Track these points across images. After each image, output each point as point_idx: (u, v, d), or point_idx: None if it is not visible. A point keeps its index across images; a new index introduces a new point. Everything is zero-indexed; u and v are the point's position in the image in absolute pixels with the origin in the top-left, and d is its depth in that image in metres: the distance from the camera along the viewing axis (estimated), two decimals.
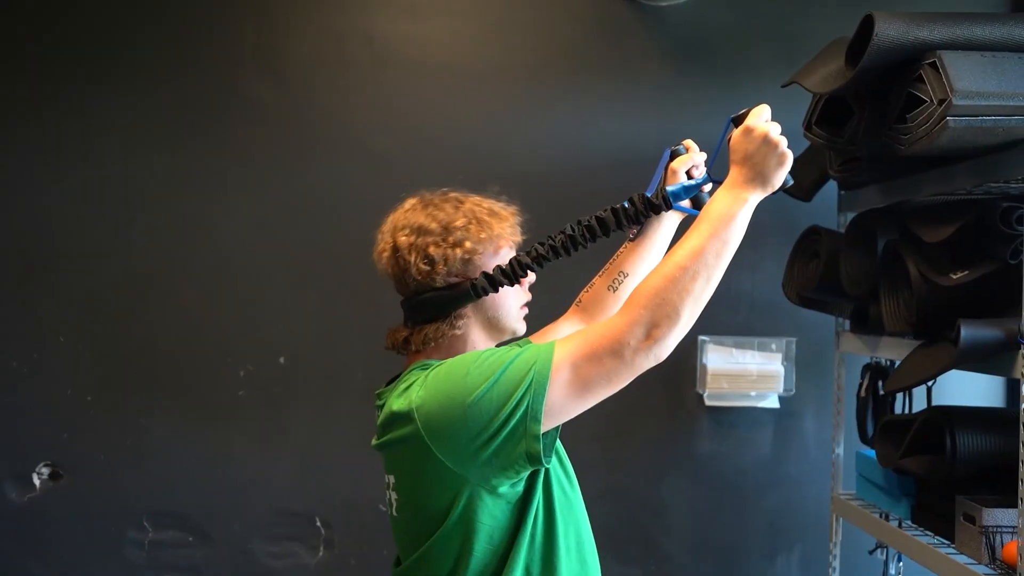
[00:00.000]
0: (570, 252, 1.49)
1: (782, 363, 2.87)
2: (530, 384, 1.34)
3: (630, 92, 2.93)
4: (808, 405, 2.95)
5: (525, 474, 1.40)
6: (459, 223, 1.50)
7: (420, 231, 1.50)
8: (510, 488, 1.41)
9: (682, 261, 1.33)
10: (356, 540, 2.91)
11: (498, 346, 1.53)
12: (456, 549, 1.41)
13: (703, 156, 1.64)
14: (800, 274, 2.54)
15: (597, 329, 1.37)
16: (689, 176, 1.62)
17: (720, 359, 2.87)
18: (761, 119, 1.39)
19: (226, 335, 2.92)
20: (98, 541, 2.90)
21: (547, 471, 1.45)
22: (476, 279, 1.48)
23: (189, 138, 2.91)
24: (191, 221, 2.92)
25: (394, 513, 1.50)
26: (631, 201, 1.48)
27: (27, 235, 2.89)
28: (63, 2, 2.90)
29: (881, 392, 2.52)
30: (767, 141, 1.37)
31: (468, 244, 1.48)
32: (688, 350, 2.90)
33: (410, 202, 1.55)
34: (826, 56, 2.02)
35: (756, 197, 1.38)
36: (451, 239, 1.48)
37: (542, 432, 1.35)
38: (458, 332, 1.49)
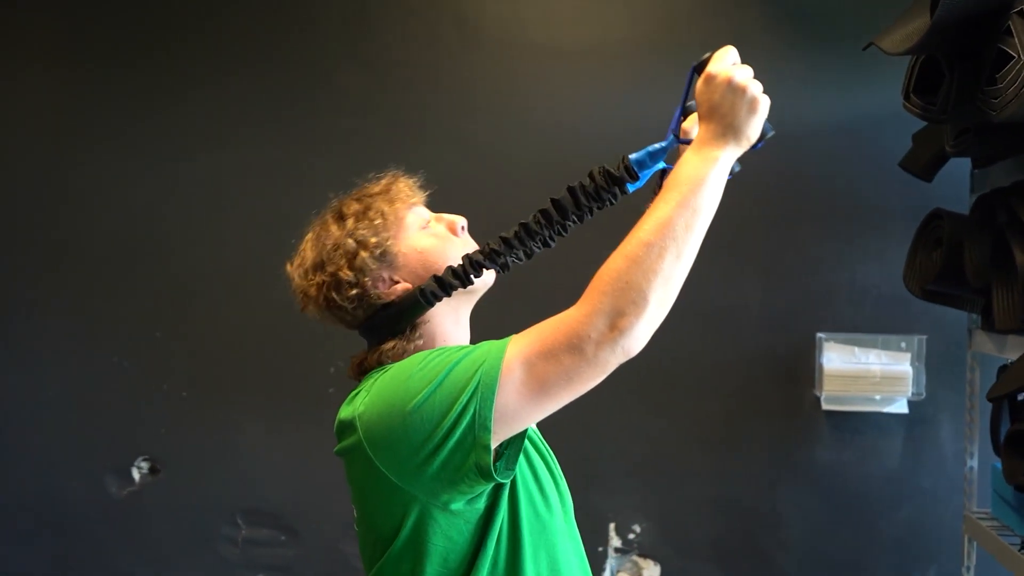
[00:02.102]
0: (527, 244, 1.32)
1: (911, 364, 2.67)
2: (476, 387, 1.20)
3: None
4: (943, 411, 2.73)
5: (482, 490, 1.27)
6: (349, 227, 1.38)
7: (319, 266, 1.38)
8: (467, 505, 1.27)
9: (646, 237, 1.18)
10: None
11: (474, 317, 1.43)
12: (407, 573, 1.30)
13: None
14: (923, 264, 2.34)
15: (553, 321, 1.21)
16: None
17: (840, 358, 2.68)
18: (724, 63, 1.23)
19: (316, 331, 2.91)
20: (194, 536, 2.97)
21: (514, 487, 1.32)
22: (425, 285, 1.35)
23: (277, 130, 2.94)
24: (281, 215, 2.94)
25: (355, 527, 1.40)
26: (591, 175, 1.30)
27: (124, 232, 2.99)
28: (149, 0, 2.99)
29: (1020, 398, 2.30)
30: (732, 87, 1.20)
31: (372, 239, 1.36)
32: (804, 347, 2.73)
33: (305, 239, 1.43)
34: (909, 13, 1.84)
35: (729, 154, 1.22)
36: (350, 250, 1.36)
37: (501, 441, 1.22)
38: (419, 343, 1.37)
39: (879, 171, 2.69)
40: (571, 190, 1.30)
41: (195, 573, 2.96)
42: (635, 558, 2.83)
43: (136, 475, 3.00)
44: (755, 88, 1.21)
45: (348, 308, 1.37)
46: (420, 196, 1.48)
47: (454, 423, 1.20)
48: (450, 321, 1.42)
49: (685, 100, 1.30)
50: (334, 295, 1.37)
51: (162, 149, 2.98)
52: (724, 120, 1.22)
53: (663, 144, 1.31)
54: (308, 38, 2.94)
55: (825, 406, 2.71)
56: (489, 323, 1.49)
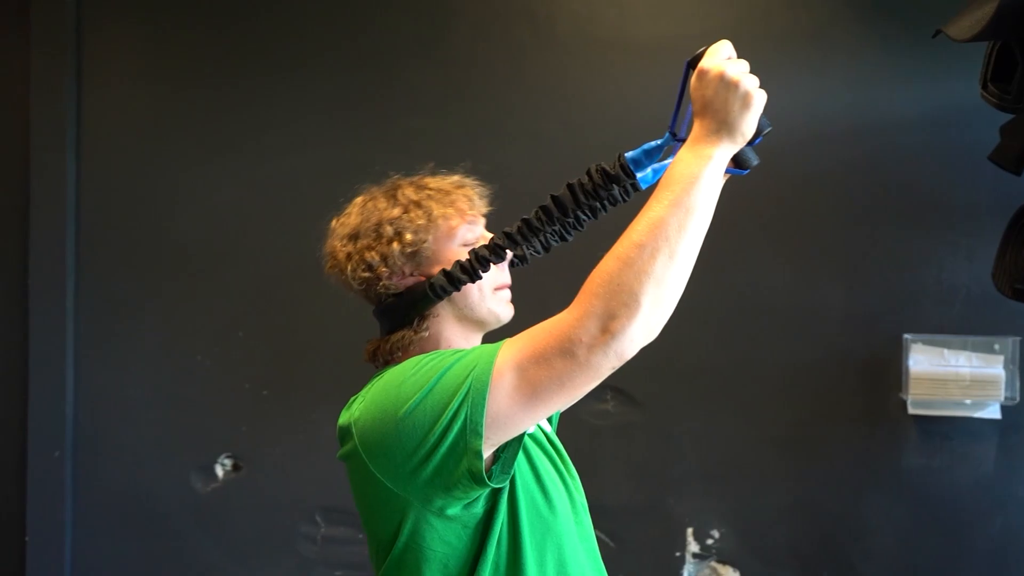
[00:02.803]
0: (528, 239, 1.34)
1: (1005, 367, 2.57)
2: (467, 392, 1.21)
3: (827, 57, 2.72)
4: None
5: (477, 495, 1.27)
6: (394, 214, 1.40)
7: (354, 236, 1.41)
8: (463, 510, 1.28)
9: (638, 237, 1.17)
10: None
11: (485, 339, 1.43)
12: None
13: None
14: (1013, 262, 2.25)
15: (546, 325, 1.22)
16: None
17: (928, 361, 2.60)
18: (718, 58, 1.21)
19: None
20: (274, 533, 3.05)
21: (514, 490, 1.31)
22: (434, 278, 1.37)
23: (354, 131, 2.99)
24: None
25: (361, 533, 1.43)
26: (588, 173, 1.30)
27: (206, 233, 3.08)
28: (228, 4, 3.06)
29: None
30: (724, 81, 1.18)
31: (408, 236, 1.38)
32: (890, 349, 2.66)
33: (355, 201, 1.46)
34: None
35: (723, 151, 1.20)
36: (386, 235, 1.38)
37: (496, 446, 1.22)
38: (425, 335, 1.39)
39: (967, 165, 2.60)
40: (570, 187, 1.32)
41: (275, 569, 3.03)
42: (713, 564, 2.79)
43: (220, 472, 3.08)
44: (749, 83, 1.19)
45: (357, 286, 1.41)
46: (480, 210, 1.49)
47: (445, 428, 1.21)
48: (459, 330, 1.43)
49: (681, 97, 1.28)
50: (350, 268, 1.41)
51: (244, 152, 3.06)
52: (717, 116, 1.20)
53: (658, 142, 1.31)
54: (383, 39, 2.98)
55: (912, 410, 2.63)
56: (511, 325, 1.48)
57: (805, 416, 2.74)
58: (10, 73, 3.16)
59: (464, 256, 1.40)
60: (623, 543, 2.82)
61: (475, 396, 1.20)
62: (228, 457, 3.08)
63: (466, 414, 1.21)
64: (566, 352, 1.17)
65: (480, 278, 1.38)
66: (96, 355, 3.15)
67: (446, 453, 1.22)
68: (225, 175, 3.08)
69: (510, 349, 1.22)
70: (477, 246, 1.39)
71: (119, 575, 3.15)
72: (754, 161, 1.29)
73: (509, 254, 1.39)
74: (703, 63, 1.21)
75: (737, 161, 1.30)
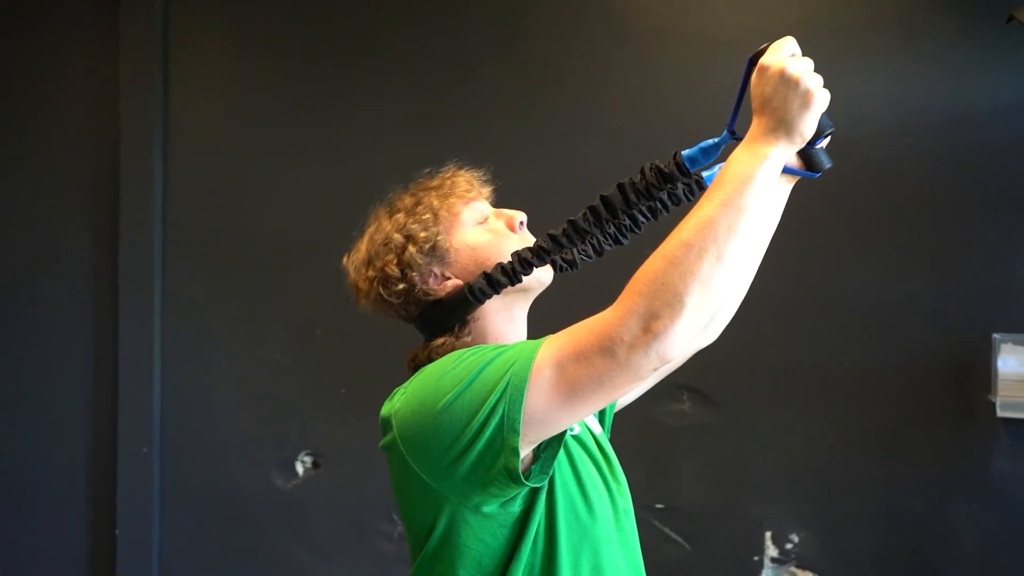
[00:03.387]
0: (575, 242, 1.31)
1: None
2: (506, 388, 1.18)
3: (915, 48, 2.66)
4: None
5: (515, 493, 1.25)
6: (399, 222, 1.40)
7: (369, 262, 1.42)
8: (500, 508, 1.27)
9: (686, 236, 1.13)
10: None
11: (531, 309, 1.43)
12: (441, 574, 1.30)
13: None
14: None
15: (588, 322, 1.19)
16: None
17: (1018, 361, 2.52)
18: (780, 54, 1.17)
19: None
20: (352, 530, 3.10)
21: (553, 490, 1.30)
22: (474, 282, 1.36)
23: (431, 131, 3.02)
24: None
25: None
26: (641, 171, 1.28)
27: (288, 232, 3.15)
28: (310, 6, 3.13)
29: None
30: (784, 79, 1.14)
31: (420, 234, 1.38)
32: (978, 349, 2.59)
33: (361, 238, 1.48)
34: None
35: (780, 151, 1.16)
36: (399, 244, 1.39)
37: (534, 444, 1.21)
38: (467, 339, 1.39)
39: None
40: (620, 187, 1.30)
41: (353, 565, 3.09)
42: (792, 569, 2.75)
43: (300, 469, 3.15)
44: (810, 81, 1.15)
45: (396, 303, 1.41)
46: (482, 191, 1.49)
47: (483, 424, 1.20)
48: (502, 319, 1.42)
49: (742, 94, 1.25)
50: (382, 290, 1.41)
51: (324, 151, 3.13)
52: (776, 114, 1.16)
53: (716, 140, 1.28)
54: (461, 37, 3.02)
55: (1001, 413, 2.55)
56: (550, 321, 1.48)
57: (889, 418, 2.68)
58: (101, 79, 3.28)
59: (481, 235, 1.42)
60: (699, 546, 2.80)
61: (513, 392, 1.19)
62: (308, 454, 3.15)
63: (504, 410, 1.19)
64: (606, 351, 1.15)
65: (521, 281, 1.36)
66: (182, 354, 3.26)
67: (483, 449, 1.21)
68: (306, 174, 3.15)
69: (551, 346, 1.21)
70: (519, 250, 1.37)
71: (203, 568, 3.25)
72: (826, 164, 1.25)
73: (552, 257, 1.37)
74: (764, 59, 1.19)
75: (809, 163, 1.28)
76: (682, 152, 1.28)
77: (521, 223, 1.47)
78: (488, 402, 1.20)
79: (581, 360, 1.17)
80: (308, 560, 3.14)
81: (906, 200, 2.68)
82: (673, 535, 2.81)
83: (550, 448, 1.26)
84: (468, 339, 1.40)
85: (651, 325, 1.12)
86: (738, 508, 2.78)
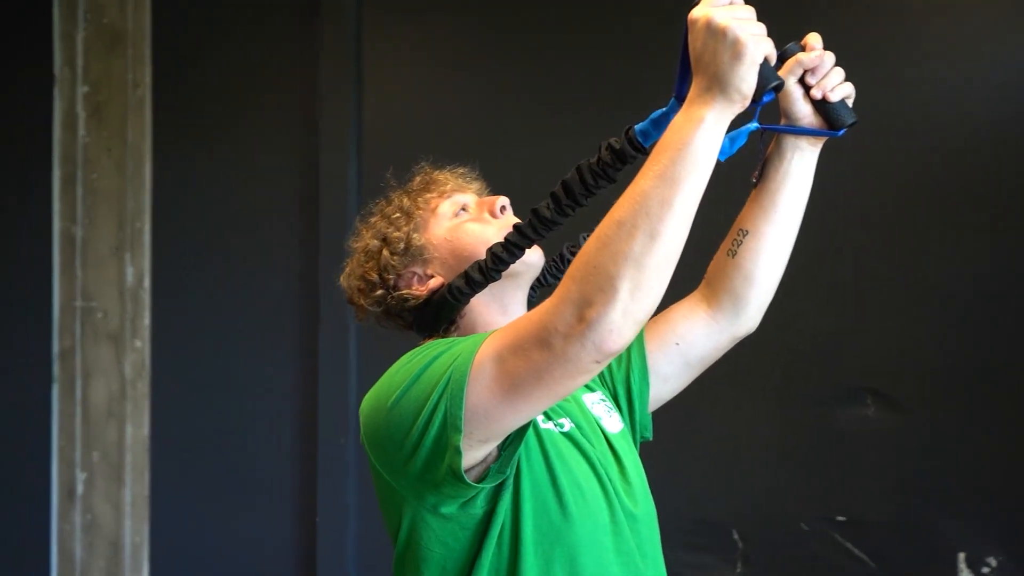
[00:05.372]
0: (540, 231, 1.26)
1: None
2: (447, 384, 1.16)
3: None
4: None
5: (472, 494, 1.20)
6: (374, 226, 1.39)
7: (353, 272, 1.42)
8: (459, 510, 1.22)
9: (618, 213, 1.07)
10: (776, 559, 2.80)
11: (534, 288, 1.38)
12: None
13: (825, 56, 1.25)
14: None
15: (530, 312, 1.14)
16: (806, 89, 1.26)
17: None
18: (711, 4, 1.07)
19: None
20: None
21: (519, 491, 1.24)
22: (453, 281, 1.33)
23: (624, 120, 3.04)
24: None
25: None
26: (599, 151, 1.21)
27: None
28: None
29: None
30: (711, 29, 1.06)
31: (393, 234, 1.36)
32: None
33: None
34: None
35: (716, 114, 1.07)
36: (374, 249, 1.38)
37: (486, 442, 1.17)
38: (453, 335, 1.36)
39: None
40: (578, 169, 1.25)
41: None
42: None
43: None
44: (741, 29, 1.06)
45: (377, 312, 1.40)
46: (462, 184, 1.47)
47: (427, 422, 1.18)
48: (495, 311, 1.40)
49: (683, 54, 1.15)
50: (363, 301, 1.41)
51: (515, 146, 3.20)
52: (708, 71, 1.08)
53: (664, 109, 1.20)
54: (649, 23, 3.02)
55: None
56: None
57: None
58: (300, 82, 3.52)
59: (458, 226, 1.40)
60: (884, 563, 2.66)
61: (454, 388, 1.16)
62: None
63: (445, 407, 1.16)
64: (543, 342, 1.10)
65: (497, 278, 1.33)
66: (376, 349, 3.43)
67: (431, 448, 1.18)
68: (497, 170, 3.24)
69: (493, 339, 1.18)
70: (493, 246, 1.34)
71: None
72: (848, 119, 1.18)
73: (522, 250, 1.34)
74: (693, 11, 1.11)
75: (829, 120, 1.21)
76: (635, 126, 1.22)
77: (503, 208, 1.43)
78: (431, 398, 1.18)
79: (519, 353, 1.13)
80: None
81: None
82: (855, 550, 2.68)
83: (511, 446, 1.21)
84: (456, 335, 1.38)
85: (585, 313, 1.07)
86: (928, 524, 2.62)
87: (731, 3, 1.11)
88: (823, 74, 1.27)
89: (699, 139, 1.07)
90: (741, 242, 1.43)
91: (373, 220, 1.45)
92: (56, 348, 3.92)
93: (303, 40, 3.50)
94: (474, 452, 1.19)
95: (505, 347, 1.14)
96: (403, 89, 3.39)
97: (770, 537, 2.81)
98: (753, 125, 1.27)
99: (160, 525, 3.76)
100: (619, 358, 1.55)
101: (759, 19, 1.11)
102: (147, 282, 3.77)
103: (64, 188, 3.90)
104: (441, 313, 1.38)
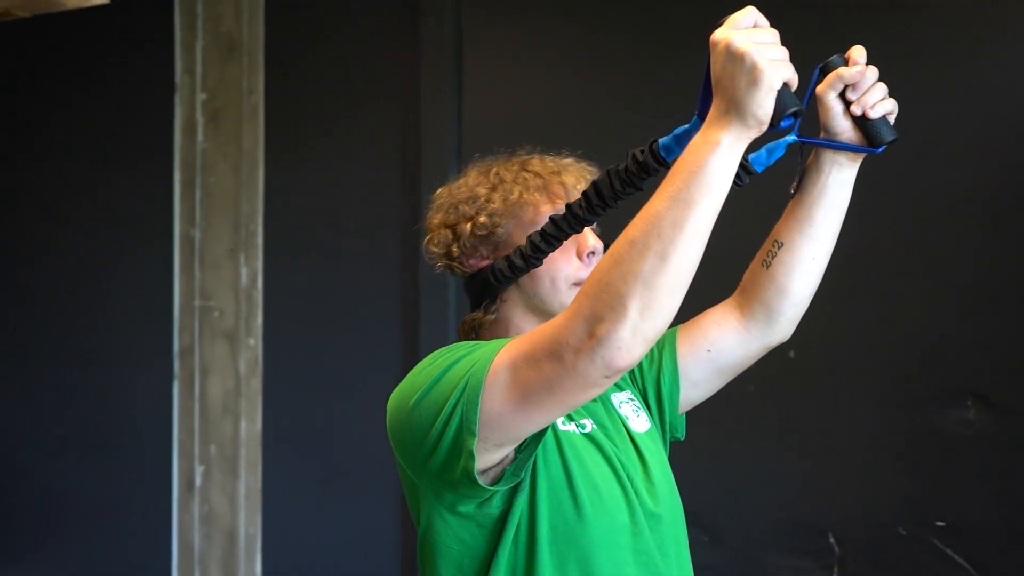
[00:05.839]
0: (574, 227, 1.28)
1: None
2: (464, 389, 1.18)
3: None
4: None
5: (489, 494, 1.23)
6: (479, 193, 1.39)
7: (442, 208, 1.42)
8: (477, 509, 1.25)
9: (632, 232, 1.07)
10: (873, 564, 2.75)
11: None
12: (430, 574, 1.31)
13: (868, 72, 1.23)
14: None
15: (546, 324, 1.16)
16: (847, 105, 1.25)
17: None
18: (733, 27, 1.06)
19: None
20: None
21: (535, 492, 1.26)
22: (497, 262, 1.36)
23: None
24: None
25: None
26: (630, 156, 1.21)
27: None
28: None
29: None
30: (730, 54, 1.05)
31: (482, 218, 1.38)
32: None
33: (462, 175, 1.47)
34: None
35: (732, 138, 1.06)
36: (464, 214, 1.38)
37: (501, 446, 1.19)
38: (492, 318, 1.39)
39: None
40: (608, 172, 1.26)
41: None
42: None
43: None
44: (759, 54, 1.05)
45: (434, 264, 1.46)
46: (575, 185, 1.46)
47: (445, 423, 1.21)
48: (521, 311, 1.42)
49: (707, 76, 1.15)
50: (427, 244, 1.47)
51: (613, 144, 3.22)
52: (726, 95, 1.08)
53: (687, 126, 1.20)
54: None
55: None
56: None
57: None
58: (402, 85, 3.61)
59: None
60: (985, 571, 2.58)
61: (470, 393, 1.19)
62: None
63: (462, 411, 1.19)
64: (554, 355, 1.12)
65: (538, 263, 1.35)
66: None
67: (449, 448, 1.21)
68: (597, 172, 3.28)
69: (509, 347, 1.20)
70: (531, 234, 1.36)
71: None
72: (888, 136, 1.16)
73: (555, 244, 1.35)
74: (715, 33, 1.11)
75: (868, 137, 1.19)
76: (659, 140, 1.22)
77: (590, 254, 1.42)
78: (449, 401, 1.20)
79: (532, 364, 1.15)
80: None
81: None
82: (957, 558, 2.61)
83: (527, 450, 1.24)
84: (493, 318, 1.42)
85: (595, 329, 1.08)
86: None
87: (755, 25, 1.10)
88: (864, 90, 1.26)
89: (713, 162, 1.07)
90: (776, 254, 1.42)
91: (479, 189, 1.44)
92: (177, 346, 4.11)
93: (405, 44, 3.59)
94: (490, 455, 1.22)
95: (520, 356, 1.17)
96: (503, 90, 3.44)
97: (867, 541, 2.76)
98: (791, 138, 1.26)
99: (272, 517, 3.91)
100: (650, 359, 1.56)
101: (790, 39, 1.11)
102: (260, 282, 3.92)
103: (184, 192, 4.09)
104: (484, 291, 1.42)
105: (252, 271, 3.93)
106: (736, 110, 1.07)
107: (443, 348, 1.32)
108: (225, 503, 4.00)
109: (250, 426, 3.94)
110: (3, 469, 4.67)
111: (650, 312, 1.07)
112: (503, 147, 3.34)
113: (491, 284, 1.41)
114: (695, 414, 3.00)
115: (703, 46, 2.88)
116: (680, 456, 3.04)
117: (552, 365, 1.12)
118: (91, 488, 4.35)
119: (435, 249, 1.46)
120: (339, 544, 3.80)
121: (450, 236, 1.44)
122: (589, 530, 1.30)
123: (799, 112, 1.11)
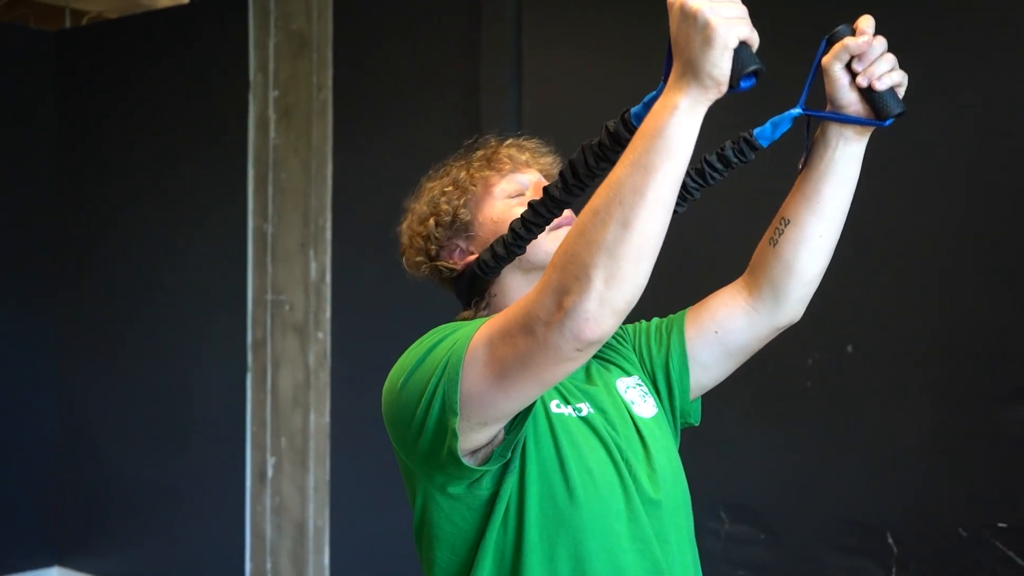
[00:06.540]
0: (552, 210, 1.25)
1: None
2: (445, 368, 1.18)
3: None
4: None
5: (478, 475, 1.22)
6: (433, 192, 1.40)
7: (404, 231, 1.45)
8: (467, 491, 1.25)
9: (594, 201, 1.06)
10: (932, 565, 2.69)
11: None
12: (426, 557, 1.31)
13: (875, 42, 1.18)
14: None
15: (521, 299, 1.15)
16: (853, 76, 1.20)
17: None
18: None
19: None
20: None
21: (524, 474, 1.25)
22: (481, 254, 1.35)
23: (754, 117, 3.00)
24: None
25: None
26: (603, 129, 1.18)
27: None
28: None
29: None
30: (684, 13, 1.03)
31: (442, 206, 1.37)
32: None
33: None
34: None
35: (691, 101, 1.04)
36: (425, 214, 1.39)
37: (484, 425, 1.19)
38: (486, 313, 1.38)
39: None
40: (583, 148, 1.25)
41: None
42: None
43: None
44: (711, 12, 1.03)
45: (426, 275, 1.45)
46: (531, 159, 1.46)
47: (428, 404, 1.21)
48: (522, 273, 1.41)
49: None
50: (405, 262, 1.47)
51: None
52: (682, 56, 1.06)
53: (654, 92, 1.17)
54: None
55: None
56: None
57: None
58: (464, 81, 3.65)
59: (507, 209, 1.41)
60: None
61: (451, 371, 1.19)
62: None
63: (444, 390, 1.19)
64: (526, 329, 1.11)
65: (521, 251, 1.34)
66: None
67: (434, 429, 1.21)
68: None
69: (488, 324, 1.20)
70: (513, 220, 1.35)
71: None
72: (896, 109, 1.12)
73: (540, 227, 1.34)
74: None
75: (875, 109, 1.15)
76: (631, 109, 1.20)
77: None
78: (432, 381, 1.21)
79: (507, 339, 1.14)
80: None
81: None
82: (1017, 559, 2.54)
83: (515, 429, 1.23)
84: (485, 313, 1.41)
85: (563, 301, 1.07)
86: None
87: None
88: (871, 61, 1.21)
89: (672, 126, 1.06)
90: (783, 231, 1.38)
91: (431, 186, 1.47)
92: (250, 339, 4.22)
93: (467, 41, 3.63)
94: (475, 435, 1.22)
95: (496, 333, 1.17)
96: (561, 85, 3.46)
97: (926, 542, 2.69)
98: (796, 111, 1.23)
99: (339, 509, 3.99)
100: (659, 342, 1.53)
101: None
102: (328, 276, 4.00)
103: (257, 188, 4.19)
104: (473, 286, 1.42)
105: (320, 265, 4.02)
106: (692, 71, 1.06)
107: (429, 331, 1.32)
108: (295, 495, 4.10)
109: (319, 419, 4.02)
110: (87, 460, 4.87)
111: (615, 281, 1.05)
112: (563, 139, 3.39)
113: (479, 278, 1.40)
114: (752, 411, 2.99)
115: (764, 35, 2.87)
116: (735, 452, 3.04)
117: (525, 340, 1.12)
118: (169, 478, 4.50)
119: (417, 258, 1.45)
120: (405, 538, 3.84)
121: (422, 240, 1.44)
122: (581, 514, 1.29)
123: (759, 71, 1.08)
